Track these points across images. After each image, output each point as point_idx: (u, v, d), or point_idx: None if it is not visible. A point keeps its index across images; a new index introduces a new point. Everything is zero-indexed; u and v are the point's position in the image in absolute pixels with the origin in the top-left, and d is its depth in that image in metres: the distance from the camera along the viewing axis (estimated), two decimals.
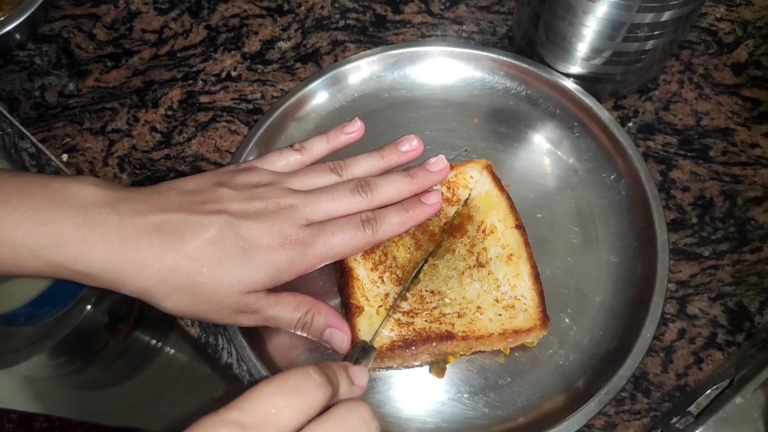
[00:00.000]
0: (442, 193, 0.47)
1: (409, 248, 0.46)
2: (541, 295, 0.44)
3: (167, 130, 0.54)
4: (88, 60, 0.58)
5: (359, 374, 0.35)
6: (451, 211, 0.47)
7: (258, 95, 0.56)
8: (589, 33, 0.48)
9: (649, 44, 0.48)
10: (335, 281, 0.46)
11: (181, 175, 0.52)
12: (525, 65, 0.53)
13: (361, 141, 0.49)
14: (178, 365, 1.17)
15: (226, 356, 0.46)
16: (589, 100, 0.51)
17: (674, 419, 0.39)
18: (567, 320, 0.45)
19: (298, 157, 0.46)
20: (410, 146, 0.47)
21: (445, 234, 0.46)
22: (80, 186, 0.38)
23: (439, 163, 0.46)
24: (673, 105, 0.55)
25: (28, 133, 0.54)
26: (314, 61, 0.57)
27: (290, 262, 0.40)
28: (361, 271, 0.44)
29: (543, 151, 0.52)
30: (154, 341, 1.16)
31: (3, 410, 0.63)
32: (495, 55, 0.54)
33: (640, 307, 0.44)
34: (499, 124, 0.53)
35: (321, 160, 0.47)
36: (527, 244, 0.45)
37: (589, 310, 0.45)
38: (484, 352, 0.44)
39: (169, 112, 0.55)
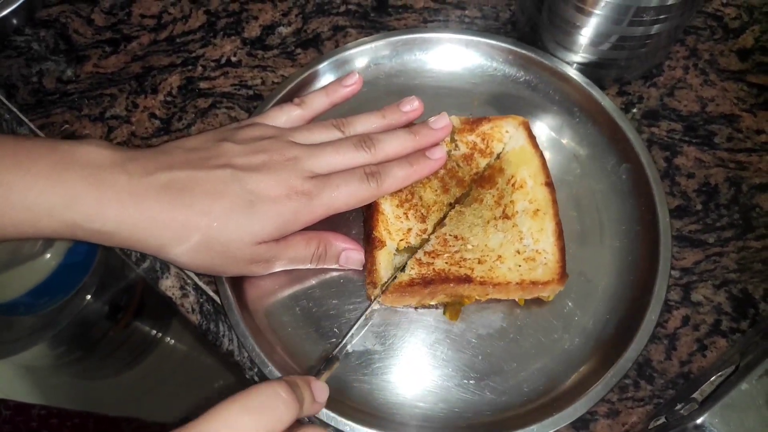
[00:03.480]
0: (476, 144, 0.48)
1: (436, 190, 0.47)
2: (563, 251, 0.44)
3: (166, 117, 0.54)
4: (86, 45, 0.57)
5: (320, 391, 0.35)
6: (483, 162, 0.48)
7: (258, 81, 0.55)
8: (594, 17, 0.47)
9: (655, 29, 0.48)
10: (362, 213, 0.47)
11: None
12: (524, 51, 0.53)
13: None
14: (178, 355, 1.16)
15: (227, 343, 0.45)
16: (588, 86, 0.51)
17: (678, 406, 0.39)
18: (571, 304, 0.45)
19: (299, 112, 0.46)
20: (411, 107, 0.47)
21: (475, 184, 0.47)
22: (88, 148, 0.38)
23: (441, 120, 0.47)
24: (678, 91, 0.54)
25: (26, 120, 0.54)
26: (315, 46, 0.57)
27: (296, 213, 0.40)
28: (387, 207, 0.45)
29: (543, 137, 0.51)
30: (154, 331, 1.16)
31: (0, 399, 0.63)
32: (494, 42, 0.53)
33: (645, 290, 0.44)
34: (499, 110, 0.52)
35: (321, 116, 0.47)
36: (554, 202, 0.46)
37: (593, 294, 0.45)
38: (500, 301, 0.45)
39: (169, 98, 0.55)
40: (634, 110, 0.53)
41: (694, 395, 0.39)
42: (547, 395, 0.42)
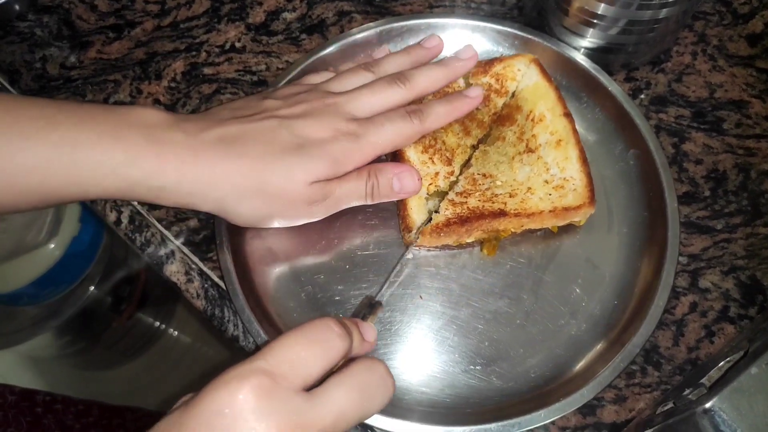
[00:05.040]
0: (491, 85, 0.50)
1: (458, 134, 0.48)
2: (589, 176, 0.45)
3: (171, 103, 0.53)
4: (89, 31, 0.57)
5: (369, 330, 0.37)
6: (500, 102, 0.49)
7: (263, 67, 0.55)
8: (601, 0, 0.47)
9: (663, 13, 0.47)
10: None
11: None
12: (530, 36, 0.52)
13: None
14: (182, 347, 1.17)
15: (232, 328, 0.45)
16: (596, 71, 0.51)
17: (687, 391, 0.39)
18: (578, 291, 0.45)
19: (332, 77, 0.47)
20: (434, 42, 0.49)
21: (495, 123, 0.49)
22: (143, 110, 0.40)
23: (468, 51, 0.48)
24: (686, 77, 0.54)
25: None
26: (320, 32, 0.56)
27: (345, 152, 0.41)
28: (412, 154, 0.46)
29: None
30: (157, 323, 1.16)
31: (5, 385, 0.63)
32: (501, 27, 0.53)
33: (653, 275, 0.44)
34: None
35: None
36: (575, 131, 0.47)
37: (600, 280, 0.45)
38: (535, 231, 0.46)
39: (173, 84, 0.54)
40: (642, 96, 0.53)
41: (703, 381, 0.39)
42: (554, 381, 0.42)
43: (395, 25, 0.53)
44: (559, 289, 0.45)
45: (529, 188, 0.45)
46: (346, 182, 0.42)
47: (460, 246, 0.46)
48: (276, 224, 0.44)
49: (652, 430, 0.38)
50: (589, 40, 0.51)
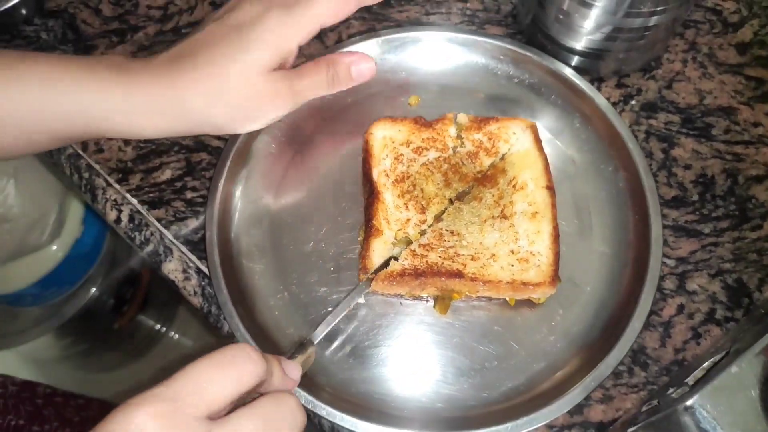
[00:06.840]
0: (482, 143, 0.49)
1: (438, 184, 0.48)
2: (557, 255, 0.44)
3: None
4: (94, 35, 0.58)
5: (292, 367, 0.36)
6: (488, 161, 0.49)
7: None
8: (592, 8, 0.48)
9: (653, 20, 0.48)
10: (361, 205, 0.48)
11: (186, 149, 0.52)
12: (527, 53, 0.52)
13: (361, 120, 0.50)
14: (183, 349, 1.17)
15: (227, 326, 0.46)
16: (591, 92, 0.51)
17: (670, 390, 0.40)
18: (557, 308, 0.45)
19: None
20: None
21: (477, 182, 0.48)
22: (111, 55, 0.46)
23: None
24: (677, 84, 0.55)
25: None
26: (317, 37, 0.57)
27: (280, 23, 0.43)
28: (388, 196, 0.47)
29: (542, 140, 0.50)
30: (158, 326, 1.17)
31: (6, 376, 0.64)
32: (497, 42, 0.53)
33: (630, 299, 0.44)
34: (499, 111, 0.52)
35: None
36: (554, 206, 0.46)
37: (579, 299, 0.45)
38: (491, 299, 0.45)
39: None
40: (633, 102, 0.54)
41: (687, 380, 0.40)
42: (525, 395, 0.42)
43: (393, 36, 0.54)
44: (538, 306, 0.45)
45: (493, 255, 0.44)
46: (307, 74, 0.45)
47: (414, 298, 0.45)
48: (249, 127, 0.45)
49: (636, 427, 0.39)
50: (582, 47, 0.52)
